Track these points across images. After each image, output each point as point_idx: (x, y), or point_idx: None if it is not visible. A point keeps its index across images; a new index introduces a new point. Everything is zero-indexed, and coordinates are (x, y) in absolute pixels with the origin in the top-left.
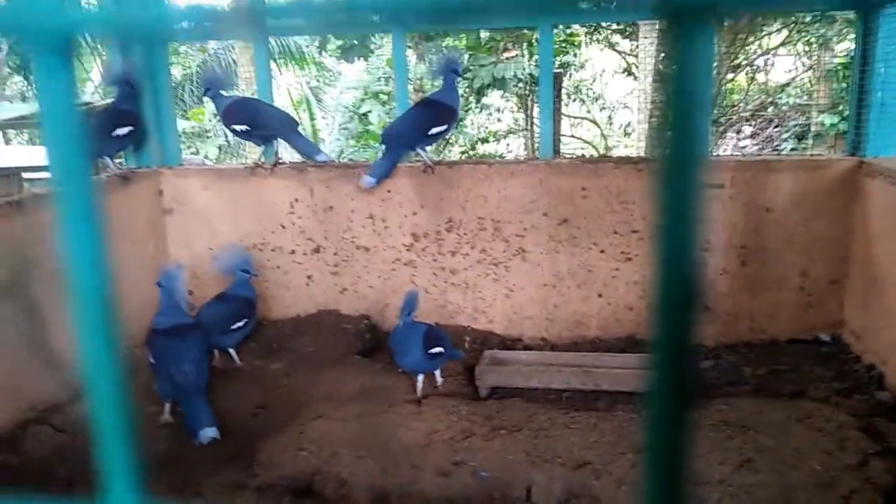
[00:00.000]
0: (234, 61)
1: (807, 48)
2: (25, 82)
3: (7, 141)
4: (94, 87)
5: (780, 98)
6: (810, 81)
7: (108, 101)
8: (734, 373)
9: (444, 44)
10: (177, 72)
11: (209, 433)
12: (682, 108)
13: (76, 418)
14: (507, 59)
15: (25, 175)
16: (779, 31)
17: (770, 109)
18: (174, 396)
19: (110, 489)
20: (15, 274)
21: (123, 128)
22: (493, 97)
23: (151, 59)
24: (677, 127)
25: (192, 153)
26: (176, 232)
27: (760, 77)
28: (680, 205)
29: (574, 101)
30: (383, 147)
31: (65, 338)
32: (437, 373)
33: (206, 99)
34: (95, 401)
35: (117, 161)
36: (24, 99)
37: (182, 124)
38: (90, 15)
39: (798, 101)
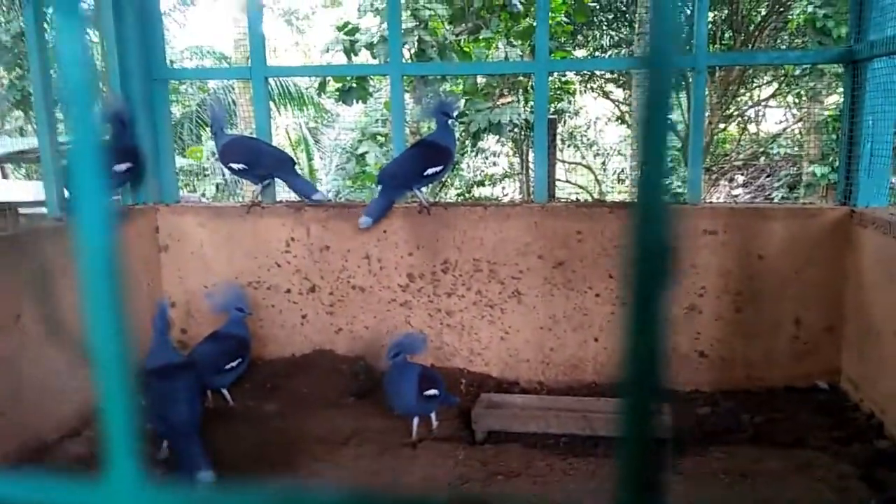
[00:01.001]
0: (233, 101)
1: (797, 100)
2: (24, 117)
3: (5, 176)
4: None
5: (771, 148)
6: (801, 132)
7: (105, 138)
8: (732, 420)
9: (440, 88)
10: (176, 110)
11: (206, 477)
12: (652, 154)
13: (66, 457)
14: (502, 104)
15: (22, 210)
16: (769, 83)
17: (762, 159)
18: (168, 437)
19: (113, 469)
20: (7, 311)
21: (122, 164)
22: (489, 141)
23: (151, 96)
24: (648, 172)
25: (189, 191)
26: (170, 269)
27: (752, 127)
28: (650, 249)
29: (569, 146)
30: (379, 187)
31: (57, 376)
32: (433, 416)
33: (206, 137)
34: (101, 385)
35: (115, 197)
36: (22, 134)
37: (180, 162)
38: None
39: (789, 151)
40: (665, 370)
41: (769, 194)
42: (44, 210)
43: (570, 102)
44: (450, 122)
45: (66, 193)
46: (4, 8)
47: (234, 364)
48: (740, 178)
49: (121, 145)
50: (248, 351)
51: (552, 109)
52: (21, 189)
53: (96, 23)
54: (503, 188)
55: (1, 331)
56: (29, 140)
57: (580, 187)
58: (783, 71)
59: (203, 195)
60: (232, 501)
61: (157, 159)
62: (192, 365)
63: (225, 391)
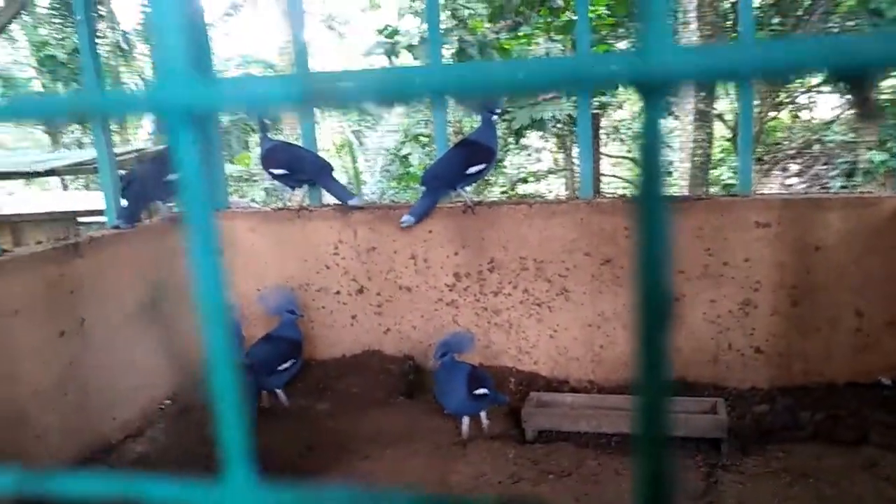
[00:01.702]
0: None
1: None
2: (81, 129)
3: (65, 187)
4: (146, 133)
5: (825, 135)
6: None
7: (161, 147)
8: (791, 418)
9: None
10: (224, 118)
11: None
12: (649, 162)
13: (130, 458)
14: (545, 100)
15: (81, 219)
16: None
17: (816, 147)
18: None
19: (230, 471)
20: (71, 315)
21: (175, 173)
22: (532, 138)
23: None
24: (646, 176)
25: (239, 196)
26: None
27: (804, 114)
28: (653, 242)
29: (614, 140)
30: (423, 188)
31: (120, 378)
32: (483, 415)
33: (253, 143)
34: (216, 393)
35: (168, 205)
36: (80, 146)
37: (229, 168)
38: (218, 92)
39: (844, 138)
40: (669, 363)
41: (825, 183)
42: (102, 219)
43: (613, 96)
44: (494, 117)
45: (123, 202)
46: (59, 25)
47: (287, 365)
48: (794, 168)
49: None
50: (300, 352)
51: (595, 103)
52: (79, 199)
53: (145, 36)
54: (548, 185)
55: (67, 335)
56: (86, 152)
57: (627, 181)
58: None
59: (252, 200)
60: (343, 500)
61: (207, 166)
62: (247, 367)
63: (279, 392)
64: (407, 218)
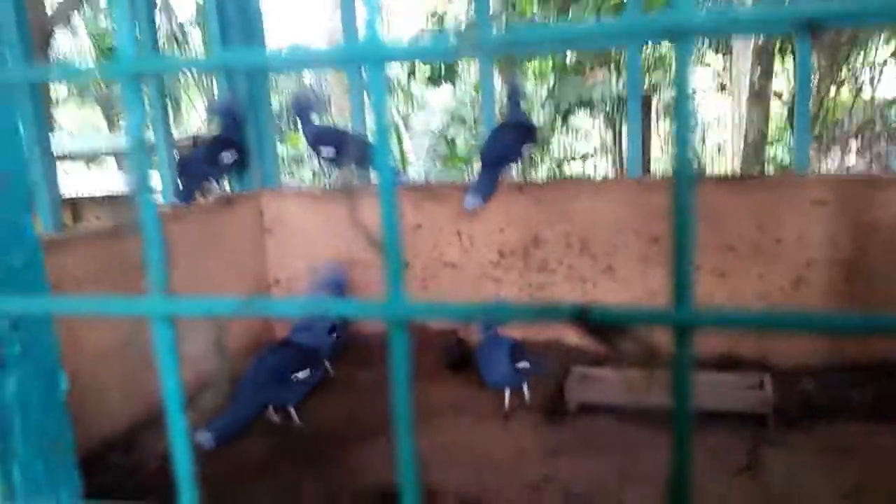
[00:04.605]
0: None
1: None
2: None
3: (120, 168)
4: (199, 118)
5: (888, 114)
6: None
7: (214, 130)
8: (840, 395)
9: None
10: (276, 101)
11: (199, 437)
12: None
13: (142, 452)
14: (594, 81)
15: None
16: (887, 42)
17: (878, 125)
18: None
19: (391, 290)
20: (130, 289)
21: (228, 154)
22: (580, 117)
23: (253, 89)
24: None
25: (289, 177)
26: (274, 251)
27: (867, 92)
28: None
29: (666, 119)
30: (481, 168)
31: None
32: (525, 387)
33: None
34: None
35: (221, 185)
36: None
37: (280, 149)
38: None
39: None
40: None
41: (888, 162)
42: (157, 198)
43: (665, 73)
44: (521, 102)
45: (180, 184)
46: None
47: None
48: (854, 146)
49: (229, 136)
50: (344, 328)
51: (647, 83)
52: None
53: (202, 23)
54: (594, 165)
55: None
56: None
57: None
58: None
59: (301, 180)
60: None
61: (260, 147)
62: (300, 349)
63: (326, 363)
64: (473, 200)
